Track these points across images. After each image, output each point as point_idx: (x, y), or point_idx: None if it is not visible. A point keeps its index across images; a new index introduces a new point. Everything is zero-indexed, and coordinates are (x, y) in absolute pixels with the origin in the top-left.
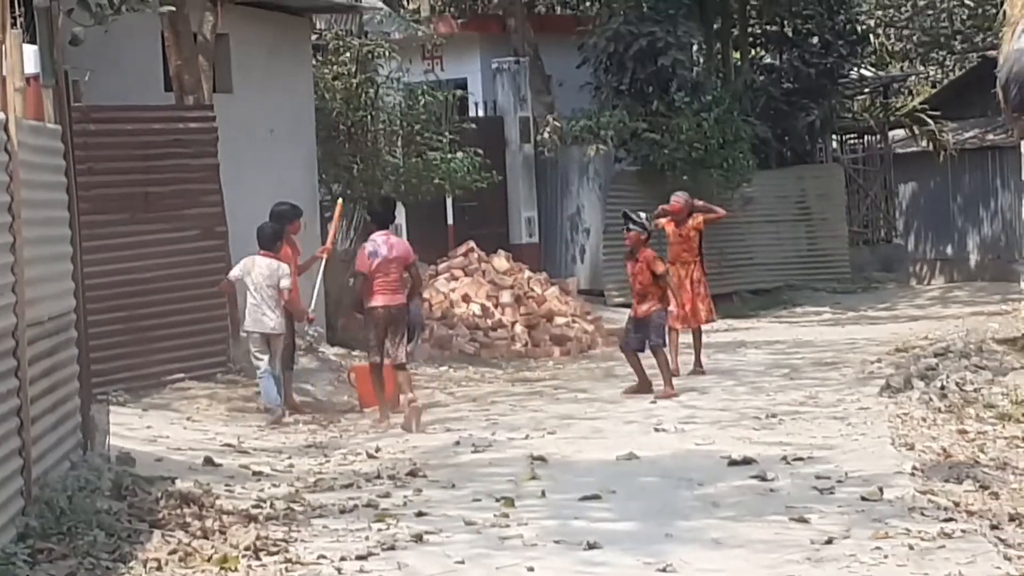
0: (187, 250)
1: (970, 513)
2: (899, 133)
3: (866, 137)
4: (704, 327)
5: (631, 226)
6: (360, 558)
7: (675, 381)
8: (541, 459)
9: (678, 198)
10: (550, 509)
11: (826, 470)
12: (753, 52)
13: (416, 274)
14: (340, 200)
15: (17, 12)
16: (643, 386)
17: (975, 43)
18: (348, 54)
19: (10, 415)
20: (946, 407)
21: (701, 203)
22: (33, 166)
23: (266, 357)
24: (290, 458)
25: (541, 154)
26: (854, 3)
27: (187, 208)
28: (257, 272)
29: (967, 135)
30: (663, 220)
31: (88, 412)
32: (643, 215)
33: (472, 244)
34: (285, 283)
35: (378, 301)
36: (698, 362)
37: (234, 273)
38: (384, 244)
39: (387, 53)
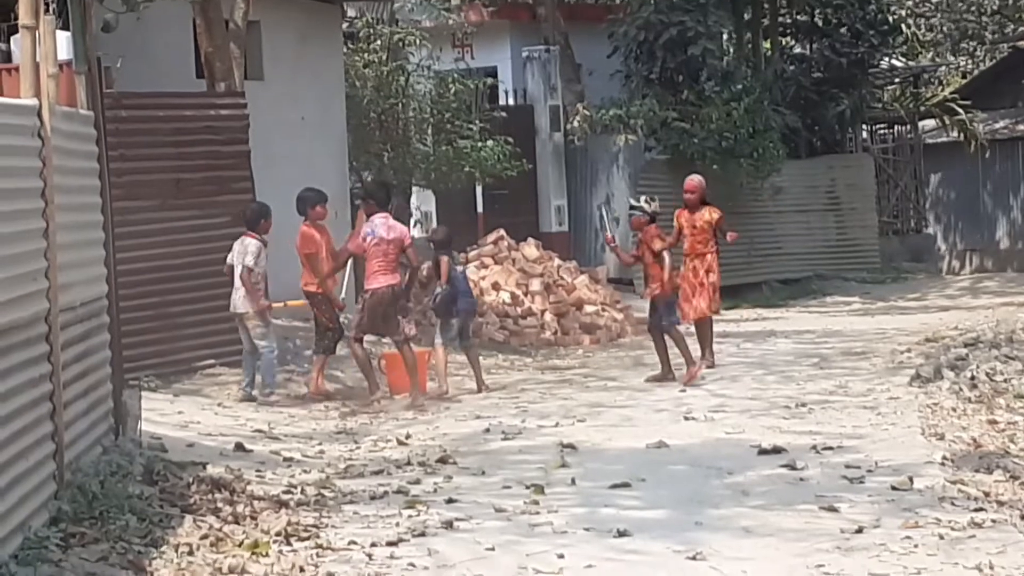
0: (218, 236)
1: (1000, 503)
2: (929, 123)
3: (896, 127)
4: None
5: (632, 212)
6: (391, 544)
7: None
8: (571, 447)
9: (692, 178)
10: (580, 497)
11: (856, 459)
12: (783, 41)
13: (413, 256)
14: None
15: None
16: (665, 373)
17: (1006, 33)
18: (379, 42)
19: (43, 400)
20: (976, 397)
21: (724, 225)
22: (66, 152)
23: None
24: (320, 444)
25: (571, 143)
26: None
27: (218, 195)
28: (234, 253)
29: (998, 125)
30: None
31: (120, 397)
32: (643, 198)
33: (502, 232)
34: (248, 260)
35: (380, 281)
36: (706, 354)
37: (229, 258)
38: (383, 226)
39: (418, 41)
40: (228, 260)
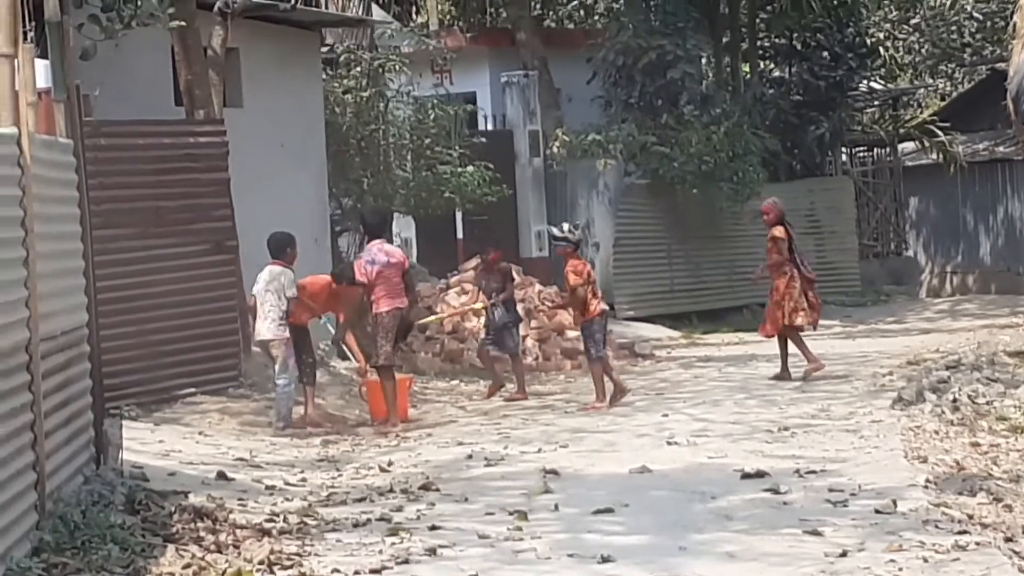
0: (198, 264)
1: (984, 526)
2: (909, 146)
3: (876, 150)
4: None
5: (556, 243)
6: (374, 572)
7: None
8: (553, 472)
9: (766, 201)
10: (563, 523)
11: (839, 483)
12: (762, 65)
13: (411, 277)
14: None
15: (28, 27)
16: (617, 393)
17: (984, 56)
18: (358, 68)
19: (24, 429)
20: (958, 420)
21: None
22: (45, 180)
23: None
24: (303, 472)
25: (550, 168)
26: (863, 16)
27: (198, 222)
28: (261, 281)
29: (977, 147)
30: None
31: (101, 426)
32: (567, 226)
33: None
34: (291, 292)
35: (387, 305)
36: (783, 368)
37: (254, 288)
38: (381, 252)
39: (397, 67)
40: (253, 290)
